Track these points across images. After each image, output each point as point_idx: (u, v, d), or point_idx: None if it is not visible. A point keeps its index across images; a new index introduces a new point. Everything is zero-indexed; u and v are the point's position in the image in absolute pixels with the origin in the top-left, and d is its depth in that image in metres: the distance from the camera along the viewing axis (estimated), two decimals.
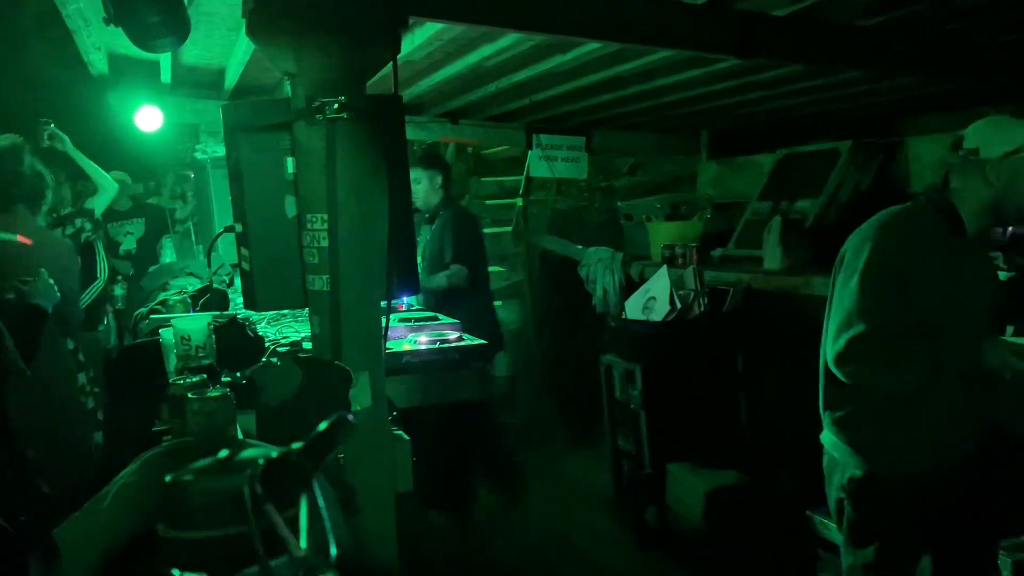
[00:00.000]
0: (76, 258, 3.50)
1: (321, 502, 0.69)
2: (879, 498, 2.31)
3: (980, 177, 2.19)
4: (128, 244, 5.61)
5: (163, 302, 3.15)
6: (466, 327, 3.44)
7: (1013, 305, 2.55)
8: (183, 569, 0.65)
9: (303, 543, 0.67)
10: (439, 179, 4.57)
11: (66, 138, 4.34)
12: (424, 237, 4.61)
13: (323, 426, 0.72)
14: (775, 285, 4.26)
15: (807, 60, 3.24)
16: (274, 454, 0.70)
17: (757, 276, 4.35)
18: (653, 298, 4.39)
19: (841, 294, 2.22)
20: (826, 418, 2.39)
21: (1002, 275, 2.66)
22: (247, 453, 0.72)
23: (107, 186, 4.57)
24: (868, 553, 2.34)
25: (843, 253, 2.34)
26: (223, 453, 0.72)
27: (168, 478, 0.71)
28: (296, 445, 0.71)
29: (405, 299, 3.95)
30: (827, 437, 2.41)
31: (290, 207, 2.41)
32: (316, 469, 0.70)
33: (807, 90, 4.33)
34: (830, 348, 2.18)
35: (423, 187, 4.56)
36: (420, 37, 3.35)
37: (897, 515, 2.32)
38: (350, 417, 0.74)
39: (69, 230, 4.17)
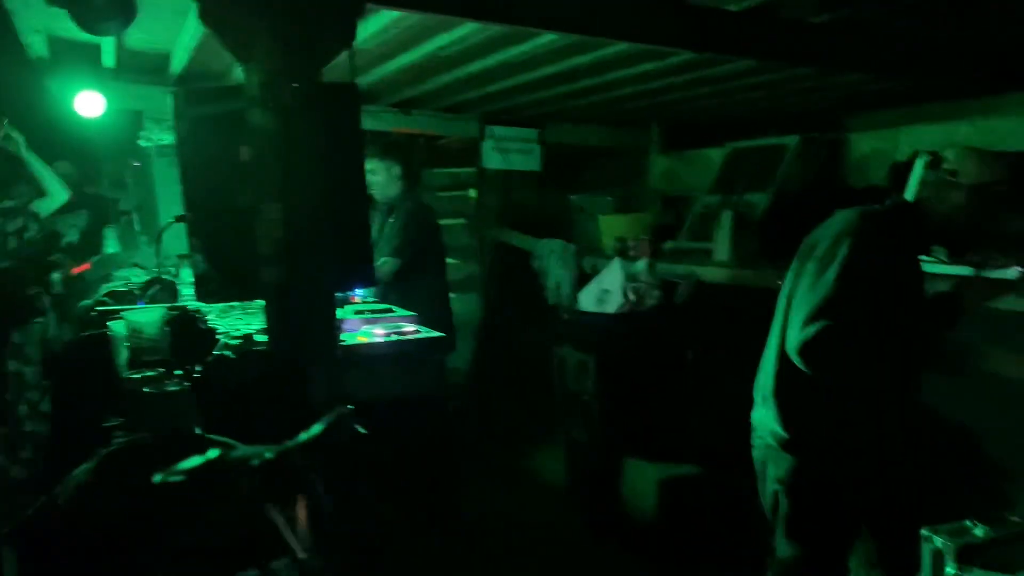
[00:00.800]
0: None
1: (323, 504, 0.67)
2: (818, 492, 2.36)
3: (953, 198, 2.29)
4: (71, 236, 5.43)
5: (110, 293, 3.05)
6: (420, 322, 3.41)
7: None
8: (181, 574, 0.63)
9: (304, 544, 0.65)
10: (396, 169, 4.46)
11: (20, 139, 4.20)
12: (383, 230, 4.52)
13: (321, 424, 0.70)
14: (726, 278, 4.32)
15: (761, 55, 3.29)
16: (268, 454, 0.68)
17: (708, 268, 4.41)
18: (607, 290, 4.42)
19: (812, 284, 2.24)
20: (770, 406, 2.41)
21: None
22: (239, 453, 0.69)
23: (56, 193, 4.44)
24: (802, 546, 2.39)
25: (813, 243, 2.37)
26: (214, 453, 0.69)
27: (157, 478, 0.68)
28: (294, 442, 0.69)
29: (359, 291, 3.90)
30: (766, 424, 2.44)
31: (243, 196, 2.35)
32: (316, 468, 0.68)
33: (757, 85, 4.39)
34: (795, 336, 2.20)
35: (380, 179, 4.43)
36: (375, 25, 3.31)
37: (835, 510, 2.37)
38: (353, 420, 0.71)
39: (11, 227, 4.03)
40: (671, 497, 3.71)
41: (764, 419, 2.46)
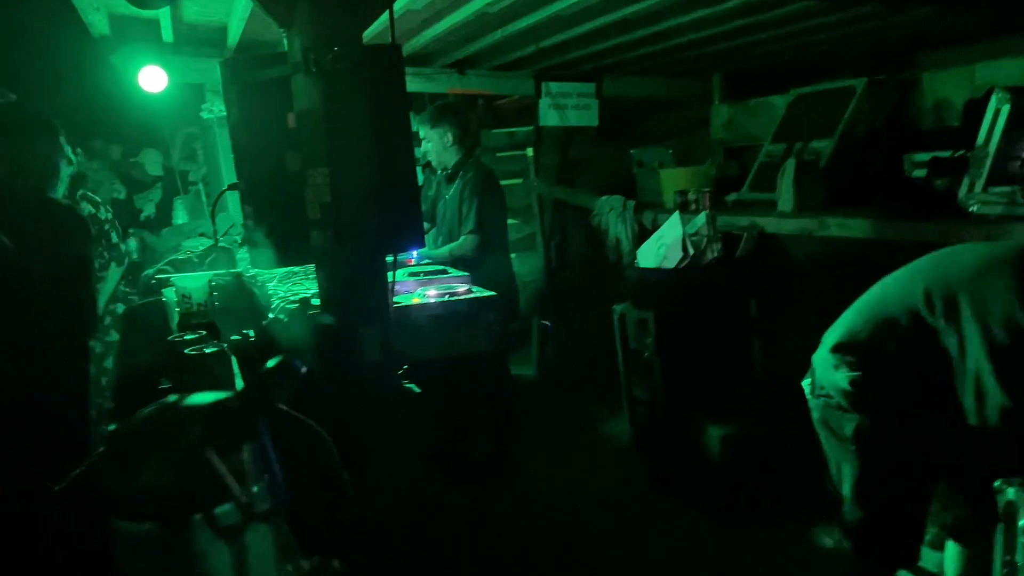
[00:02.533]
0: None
1: (270, 450, 0.68)
2: (890, 452, 2.27)
3: None
4: (149, 211, 5.63)
5: (171, 262, 3.16)
6: (485, 284, 3.38)
7: None
8: (130, 519, 0.65)
9: (250, 489, 0.66)
10: (450, 136, 4.26)
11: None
12: (437, 194, 4.48)
13: (264, 368, 0.71)
14: (789, 228, 4.21)
15: None
16: (211, 400, 0.69)
17: (770, 219, 4.30)
18: (666, 245, 4.35)
19: None
20: (840, 360, 2.32)
21: None
22: (192, 400, 0.71)
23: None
24: (874, 508, 2.31)
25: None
26: (172, 398, 0.71)
27: (111, 427, 0.71)
28: (236, 390, 0.71)
29: (414, 253, 3.93)
30: (833, 381, 2.33)
31: (291, 162, 2.39)
32: (260, 414, 0.69)
33: (819, 27, 4.22)
34: None
35: (434, 147, 4.29)
36: None
37: (908, 469, 2.28)
38: (296, 363, 0.72)
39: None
40: (734, 453, 3.67)
41: (830, 375, 2.36)
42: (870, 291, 2.41)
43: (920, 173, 3.98)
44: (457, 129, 4.30)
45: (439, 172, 4.45)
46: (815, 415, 2.46)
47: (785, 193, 4.32)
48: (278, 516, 0.69)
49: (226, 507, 0.65)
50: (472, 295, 3.12)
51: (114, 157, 5.62)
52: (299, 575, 0.69)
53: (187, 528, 0.65)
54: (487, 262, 4.10)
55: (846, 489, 2.40)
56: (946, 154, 3.86)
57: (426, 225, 4.47)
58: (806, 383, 2.50)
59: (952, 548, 2.52)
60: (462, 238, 4.16)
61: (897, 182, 4.09)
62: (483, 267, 3.95)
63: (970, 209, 3.49)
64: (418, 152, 4.27)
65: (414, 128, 5.06)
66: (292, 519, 0.71)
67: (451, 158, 4.32)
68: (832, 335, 2.40)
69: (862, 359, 2.29)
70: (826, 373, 2.38)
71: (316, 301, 2.70)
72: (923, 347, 2.17)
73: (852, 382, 2.27)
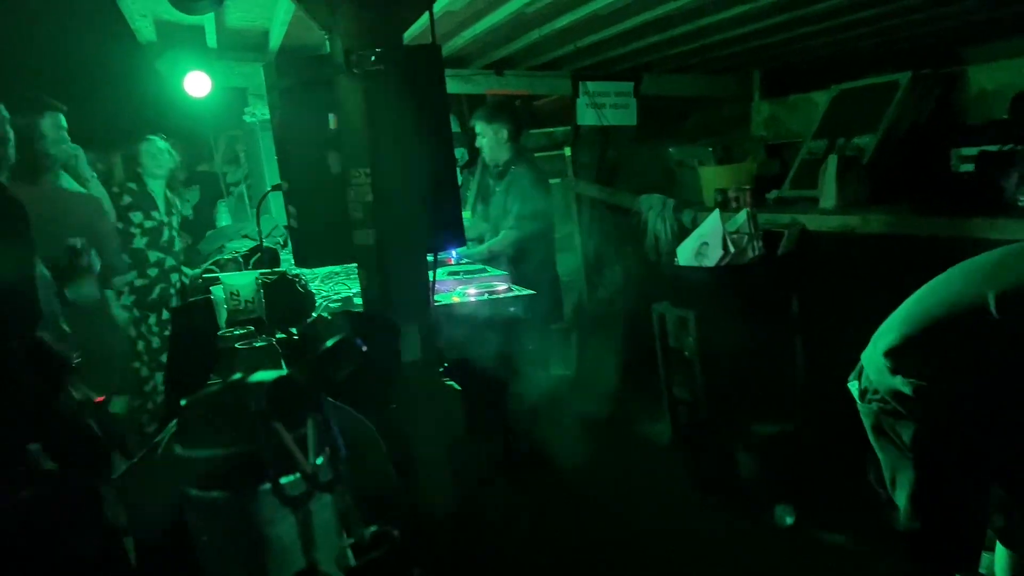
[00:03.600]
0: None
1: (332, 423, 0.70)
2: (950, 458, 2.17)
3: None
4: (185, 211, 5.73)
5: (216, 263, 3.22)
6: (528, 284, 3.41)
7: None
8: (199, 487, 0.68)
9: (313, 461, 0.69)
10: (504, 132, 4.40)
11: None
12: (487, 191, 4.54)
13: (327, 346, 0.73)
14: (832, 225, 4.15)
15: None
16: (276, 376, 0.71)
17: (812, 217, 4.24)
18: (706, 243, 4.31)
19: None
20: (896, 361, 2.19)
21: None
22: (257, 376, 0.74)
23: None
24: (933, 518, 2.22)
25: None
26: (236, 376, 0.74)
27: (183, 401, 0.73)
28: (298, 367, 0.73)
29: (454, 252, 3.96)
30: (886, 383, 2.20)
31: (334, 163, 2.42)
32: (323, 389, 0.71)
33: (861, 21, 4.16)
34: None
35: (487, 141, 4.42)
36: None
37: (969, 476, 2.20)
38: (357, 341, 0.74)
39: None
40: (776, 453, 3.63)
41: (885, 379, 2.23)
42: (924, 291, 2.30)
43: (967, 168, 3.90)
44: (512, 126, 4.45)
45: (491, 168, 4.52)
46: (868, 421, 2.34)
47: (827, 190, 4.26)
48: (340, 486, 0.71)
49: (292, 477, 0.68)
50: (511, 294, 3.13)
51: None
52: (360, 541, 0.72)
53: (255, 497, 0.67)
54: (529, 259, 4.12)
55: (902, 498, 2.28)
56: (994, 148, 3.78)
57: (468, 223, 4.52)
58: (853, 385, 2.40)
59: (1001, 551, 2.46)
60: (501, 233, 4.22)
61: (943, 177, 4.02)
62: (525, 264, 3.97)
63: (1020, 203, 3.41)
64: (457, 152, 4.33)
65: (455, 128, 5.11)
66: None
67: (504, 154, 4.43)
68: (886, 338, 2.26)
69: (922, 363, 2.17)
70: (881, 377, 2.24)
71: (358, 300, 2.74)
72: (989, 350, 2.10)
73: (915, 389, 2.14)
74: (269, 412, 0.67)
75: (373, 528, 0.76)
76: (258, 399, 0.68)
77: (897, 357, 2.20)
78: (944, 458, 2.18)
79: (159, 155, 4.61)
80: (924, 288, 2.31)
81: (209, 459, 0.67)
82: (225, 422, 0.68)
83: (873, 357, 2.29)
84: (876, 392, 2.26)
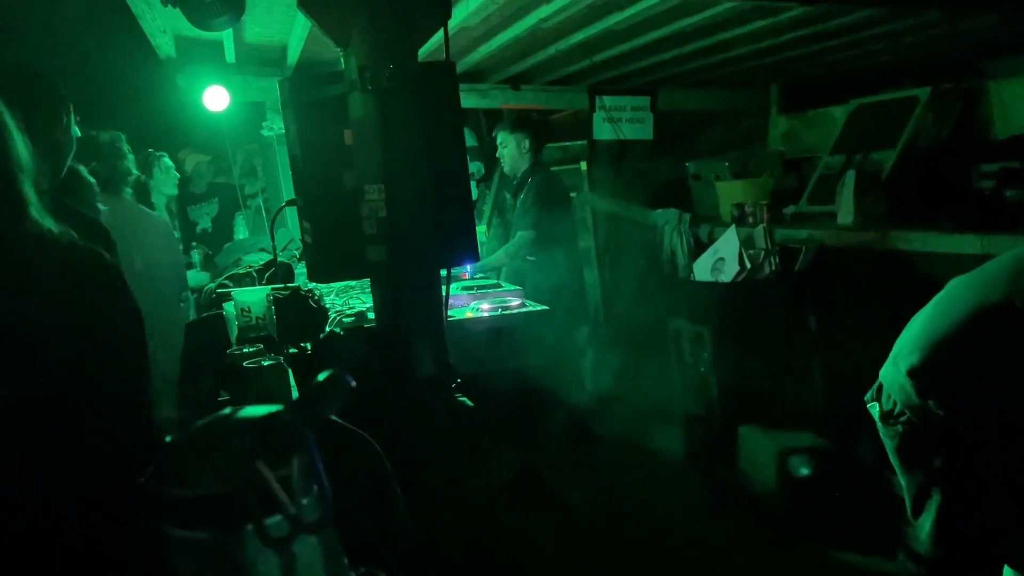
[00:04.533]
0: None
1: (318, 462, 0.70)
2: (981, 482, 2.10)
3: None
4: (204, 224, 5.78)
5: (230, 276, 3.24)
6: (552, 295, 3.44)
7: None
8: (183, 527, 0.67)
9: (299, 501, 0.68)
10: (527, 143, 4.52)
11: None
12: (503, 204, 4.58)
13: (314, 382, 0.73)
14: (849, 241, 4.12)
15: (877, 2, 3.08)
16: (262, 413, 0.71)
17: (830, 233, 4.21)
18: (722, 259, 4.30)
19: None
20: (919, 376, 2.12)
21: None
22: (247, 412, 0.73)
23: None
24: (960, 547, 2.19)
25: None
26: (226, 411, 0.73)
27: (168, 438, 0.73)
28: (286, 404, 0.72)
29: (468, 267, 3.96)
30: (910, 398, 2.14)
31: (348, 179, 2.43)
32: (310, 428, 0.70)
33: (880, 36, 4.13)
34: None
35: (509, 151, 4.53)
36: (475, 2, 3.32)
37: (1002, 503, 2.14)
38: (347, 376, 0.73)
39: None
40: (793, 470, 3.59)
41: (910, 400, 2.15)
42: (937, 307, 2.23)
43: (988, 184, 3.86)
44: (533, 137, 4.58)
45: (509, 179, 4.59)
46: (891, 443, 2.26)
47: (845, 206, 4.22)
48: (326, 527, 0.71)
49: (276, 518, 0.67)
50: (525, 309, 3.12)
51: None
52: None
53: (239, 537, 0.67)
54: (549, 264, 4.14)
55: (927, 523, 2.20)
56: (1016, 164, 3.73)
57: (482, 238, 4.57)
58: (874, 407, 2.35)
59: (1009, 572, 2.41)
60: (517, 234, 4.25)
61: (964, 194, 3.97)
62: (544, 269, 4.00)
63: None
64: (473, 167, 4.37)
65: (470, 143, 5.15)
66: (341, 529, 0.73)
67: (524, 164, 4.55)
68: (908, 358, 2.17)
69: (953, 381, 2.10)
70: (907, 398, 2.16)
71: (372, 315, 2.74)
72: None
73: (948, 409, 2.07)
74: (253, 451, 0.67)
75: (361, 570, 0.75)
76: (242, 438, 0.68)
77: (924, 377, 2.12)
78: (977, 481, 2.11)
79: (167, 173, 4.68)
80: (936, 303, 2.25)
81: (193, 498, 0.67)
82: (209, 461, 0.68)
83: (895, 377, 2.21)
84: (902, 414, 2.19)
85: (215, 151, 5.86)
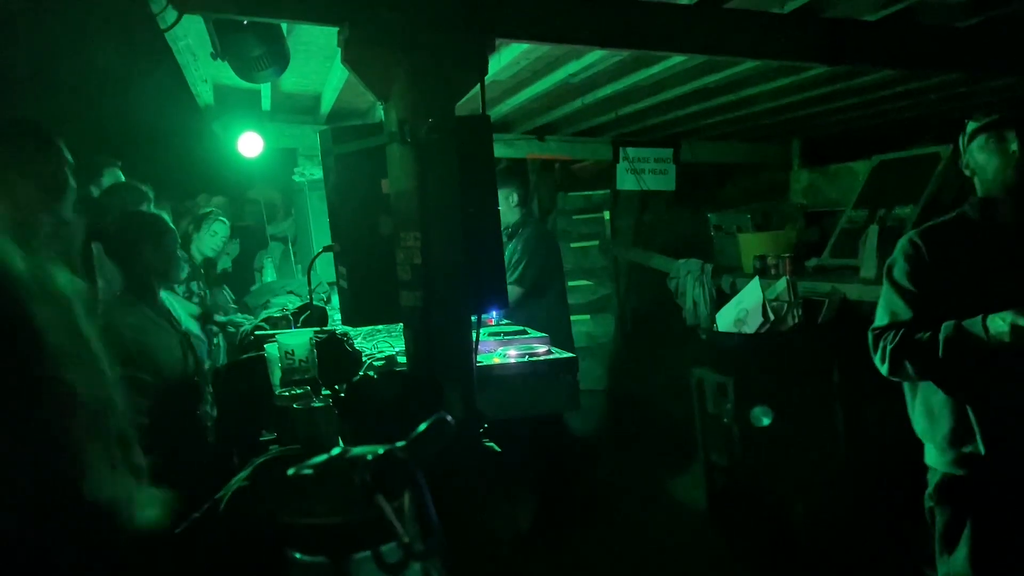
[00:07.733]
0: None
1: (427, 496, 0.76)
2: (961, 499, 2.22)
3: None
4: (225, 264, 5.87)
5: (267, 319, 3.30)
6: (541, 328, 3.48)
7: None
8: (303, 552, 0.73)
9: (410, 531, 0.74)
10: (514, 196, 4.51)
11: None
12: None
13: (424, 425, 0.79)
14: (872, 295, 4.13)
15: (901, 64, 3.16)
16: (380, 451, 0.77)
17: (853, 286, 4.24)
18: (745, 310, 4.33)
19: None
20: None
21: None
22: (356, 451, 0.79)
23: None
24: (958, 560, 2.23)
25: None
26: (336, 451, 0.79)
27: (291, 472, 0.79)
28: (400, 444, 0.78)
29: (494, 314, 4.01)
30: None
31: (384, 225, 2.50)
32: (419, 464, 0.76)
33: (903, 94, 4.21)
34: None
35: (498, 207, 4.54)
36: (507, 57, 3.43)
37: (983, 516, 2.21)
38: (448, 418, 0.80)
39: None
40: (817, 523, 3.57)
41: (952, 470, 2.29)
42: None
43: None
44: (521, 190, 4.61)
45: (504, 231, 4.62)
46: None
47: (868, 259, 4.26)
48: (434, 555, 0.77)
49: (390, 545, 0.73)
50: (551, 356, 3.16)
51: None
52: None
53: (354, 563, 0.73)
54: (537, 315, 4.16)
55: (961, 554, 2.24)
56: None
57: None
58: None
59: None
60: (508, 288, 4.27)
61: None
62: (533, 321, 4.01)
63: None
64: None
65: None
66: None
67: (513, 217, 4.53)
68: (942, 429, 2.30)
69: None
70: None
71: (402, 359, 2.79)
72: None
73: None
74: (373, 485, 0.74)
75: None
76: (362, 472, 0.74)
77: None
78: (1013, 509, 2.18)
79: (213, 237, 4.77)
80: None
81: (315, 527, 0.74)
82: (330, 494, 0.75)
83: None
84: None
85: (232, 193, 5.98)
